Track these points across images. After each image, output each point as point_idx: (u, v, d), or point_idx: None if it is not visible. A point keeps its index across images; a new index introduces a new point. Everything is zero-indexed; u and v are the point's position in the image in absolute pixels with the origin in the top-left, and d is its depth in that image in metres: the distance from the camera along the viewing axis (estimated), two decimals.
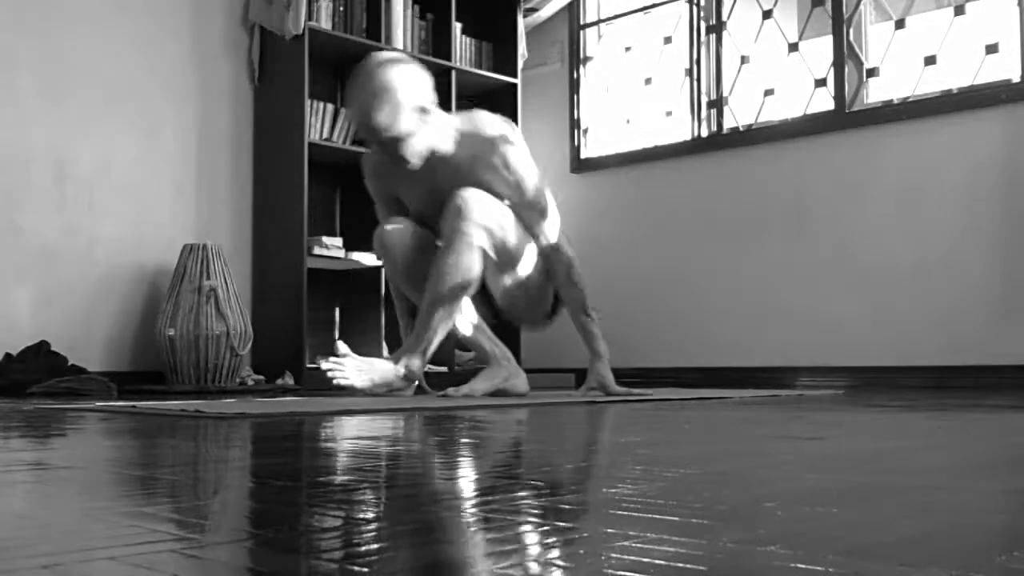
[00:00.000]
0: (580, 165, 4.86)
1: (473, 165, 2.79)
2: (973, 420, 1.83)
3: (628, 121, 4.80)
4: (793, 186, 4.12)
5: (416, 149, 2.72)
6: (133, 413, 2.06)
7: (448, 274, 2.70)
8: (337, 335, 4.39)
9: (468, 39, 4.78)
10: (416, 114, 2.69)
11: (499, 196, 2.80)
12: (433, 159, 2.80)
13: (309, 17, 4.07)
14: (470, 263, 2.71)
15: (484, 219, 2.71)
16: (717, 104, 4.48)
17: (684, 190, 4.46)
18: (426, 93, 2.73)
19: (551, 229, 2.89)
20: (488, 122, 2.85)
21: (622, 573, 0.50)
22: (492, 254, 2.77)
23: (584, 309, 2.95)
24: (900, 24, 3.97)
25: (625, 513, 0.70)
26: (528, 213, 2.85)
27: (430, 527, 0.67)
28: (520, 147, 2.84)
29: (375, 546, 0.59)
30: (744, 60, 4.41)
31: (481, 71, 4.72)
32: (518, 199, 2.82)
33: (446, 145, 2.79)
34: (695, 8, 4.53)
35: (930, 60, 3.84)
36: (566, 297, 2.95)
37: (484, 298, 2.98)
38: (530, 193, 2.83)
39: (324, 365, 2.73)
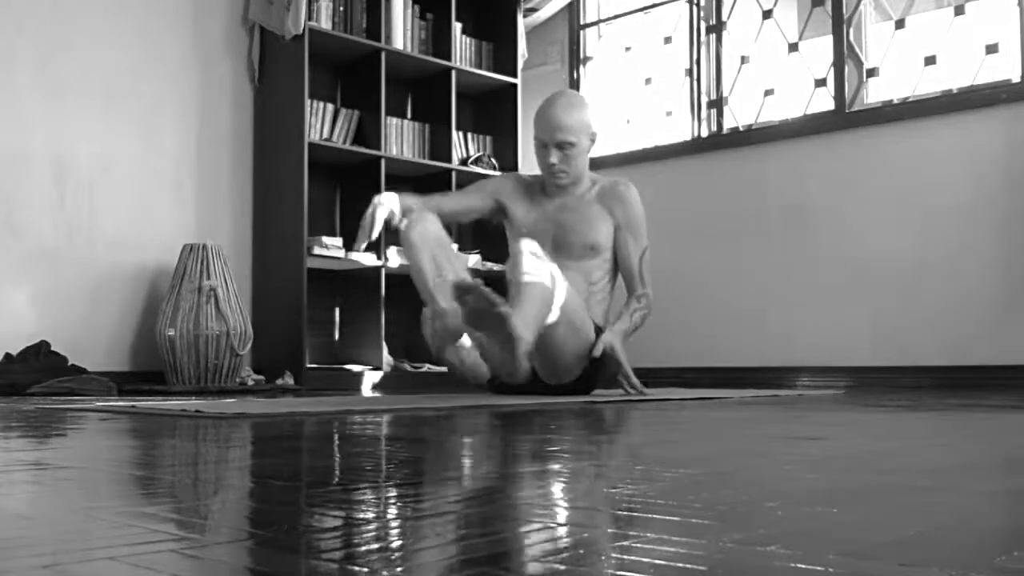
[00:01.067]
0: None
1: (605, 203, 3.08)
2: (973, 420, 1.83)
3: (628, 121, 4.80)
4: (793, 186, 4.12)
5: (578, 165, 3.04)
6: (133, 413, 2.06)
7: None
8: (337, 335, 4.39)
9: (468, 39, 4.78)
10: (590, 134, 3.06)
11: (618, 239, 3.08)
12: (568, 192, 3.10)
13: (309, 17, 4.07)
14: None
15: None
16: (717, 104, 4.48)
17: (684, 190, 4.46)
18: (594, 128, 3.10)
19: (648, 277, 3.11)
20: (635, 202, 3.15)
21: (622, 573, 0.50)
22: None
23: (631, 315, 3.02)
24: (900, 24, 3.97)
25: (625, 513, 0.70)
26: (636, 259, 3.08)
27: (429, 527, 0.67)
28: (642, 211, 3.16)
29: (375, 546, 0.59)
30: (744, 60, 4.41)
31: (481, 71, 4.72)
32: (634, 242, 3.08)
33: (586, 182, 3.12)
34: (695, 8, 4.53)
35: (930, 60, 3.84)
36: (628, 307, 3.04)
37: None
38: (644, 241, 3.11)
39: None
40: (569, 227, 3.05)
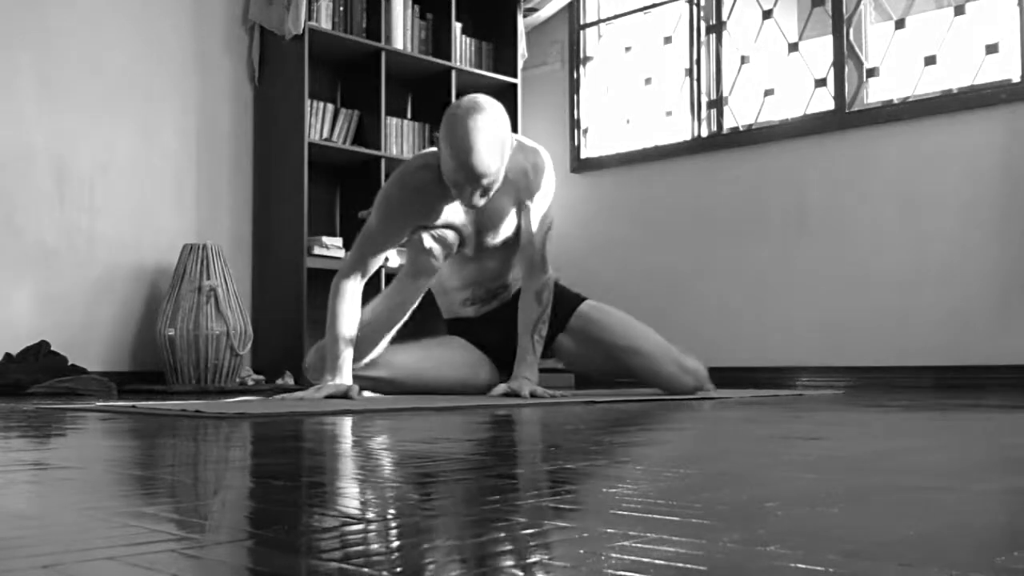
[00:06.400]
0: (580, 165, 4.86)
1: (518, 191, 2.80)
2: (973, 420, 1.83)
3: (628, 121, 4.80)
4: (793, 186, 4.12)
5: (495, 189, 2.69)
6: (133, 413, 2.06)
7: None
8: None
9: (468, 39, 4.78)
10: (509, 155, 2.70)
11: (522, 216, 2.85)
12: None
13: (309, 17, 4.07)
14: None
15: None
16: (717, 104, 4.48)
17: (684, 190, 4.46)
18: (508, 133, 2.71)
19: (550, 257, 2.90)
20: (546, 178, 2.88)
21: (622, 573, 0.50)
22: None
23: (537, 328, 2.84)
24: (900, 24, 3.97)
25: (625, 513, 0.70)
26: (539, 237, 2.85)
27: (429, 527, 0.67)
28: (550, 198, 2.91)
29: (375, 546, 0.59)
30: (744, 60, 4.40)
31: (481, 71, 4.72)
32: (536, 216, 2.84)
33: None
34: (695, 8, 4.53)
35: (930, 60, 3.84)
36: (533, 328, 2.85)
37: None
38: (550, 216, 2.88)
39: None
40: (487, 227, 2.83)
